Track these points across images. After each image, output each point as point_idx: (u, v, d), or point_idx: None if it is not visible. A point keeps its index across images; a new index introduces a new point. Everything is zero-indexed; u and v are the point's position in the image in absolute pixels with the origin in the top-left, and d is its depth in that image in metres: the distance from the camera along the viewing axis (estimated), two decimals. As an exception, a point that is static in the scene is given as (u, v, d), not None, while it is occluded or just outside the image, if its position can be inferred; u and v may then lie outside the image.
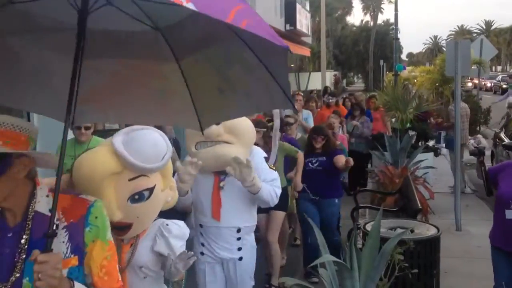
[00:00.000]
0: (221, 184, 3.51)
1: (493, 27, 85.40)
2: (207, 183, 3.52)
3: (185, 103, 2.16)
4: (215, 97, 2.01)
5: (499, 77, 43.87)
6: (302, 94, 9.14)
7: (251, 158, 3.43)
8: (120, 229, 2.45)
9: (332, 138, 6.13)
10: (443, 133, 10.91)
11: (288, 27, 16.17)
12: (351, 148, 8.98)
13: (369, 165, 9.63)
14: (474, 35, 73.74)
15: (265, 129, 5.33)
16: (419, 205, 5.48)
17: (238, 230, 3.55)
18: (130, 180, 2.39)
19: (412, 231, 4.51)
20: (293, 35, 17.98)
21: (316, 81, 33.80)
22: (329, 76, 40.99)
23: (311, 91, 16.61)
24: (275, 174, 3.63)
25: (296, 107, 8.20)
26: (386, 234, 4.17)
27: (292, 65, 40.89)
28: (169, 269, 2.50)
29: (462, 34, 79.93)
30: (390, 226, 4.64)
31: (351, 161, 5.74)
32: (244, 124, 3.47)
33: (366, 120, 9.53)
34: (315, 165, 5.82)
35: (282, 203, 5.30)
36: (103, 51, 2.06)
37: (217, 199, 3.50)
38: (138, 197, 2.41)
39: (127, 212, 2.41)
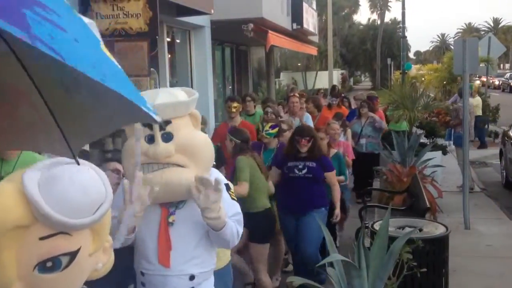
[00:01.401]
0: (170, 219, 2.67)
1: (501, 25, 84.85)
2: (151, 218, 2.66)
3: (44, 120, 1.50)
4: (68, 103, 1.45)
5: (508, 75, 43.63)
6: (298, 95, 8.32)
7: None
8: None
9: (319, 140, 5.32)
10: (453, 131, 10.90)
11: (295, 26, 16.11)
12: (361, 150, 8.74)
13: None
14: (482, 32, 73.32)
15: (238, 141, 4.85)
16: (428, 203, 5.47)
17: (191, 278, 2.71)
18: (42, 238, 1.63)
19: (420, 230, 4.50)
20: (300, 34, 17.93)
21: (323, 80, 33.79)
22: (336, 75, 40.99)
23: (318, 90, 16.55)
24: (238, 207, 2.80)
25: (293, 110, 7.65)
26: (395, 233, 4.15)
27: (299, 64, 40.97)
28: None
29: (470, 32, 79.52)
30: (399, 225, 4.62)
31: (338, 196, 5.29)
32: (201, 141, 2.68)
33: (374, 118, 9.05)
34: (303, 172, 5.05)
35: (266, 231, 4.86)
36: None
37: (165, 239, 2.67)
38: (51, 264, 1.64)
39: (32, 285, 1.65)
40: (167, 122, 2.52)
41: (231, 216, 2.67)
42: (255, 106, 7.96)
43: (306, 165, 5.04)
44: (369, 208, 7.40)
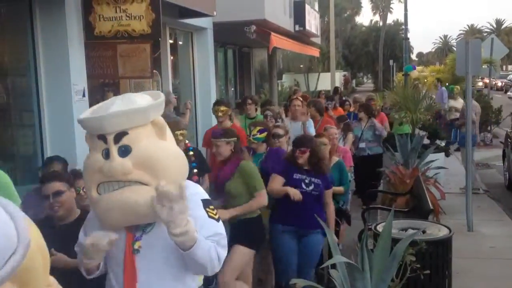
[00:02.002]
0: (136, 246, 2.32)
1: (503, 26, 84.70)
2: (116, 244, 2.31)
3: None
4: None
5: (510, 76, 43.57)
6: (301, 99, 8.00)
7: None
8: None
9: (321, 152, 4.95)
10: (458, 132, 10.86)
11: (297, 28, 16.12)
12: (363, 154, 8.74)
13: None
14: (485, 34, 73.20)
15: (234, 138, 4.48)
16: (431, 205, 5.45)
17: None
18: None
19: (423, 232, 4.49)
20: (302, 36, 17.94)
21: (325, 81, 33.79)
22: (339, 77, 40.98)
23: (319, 92, 16.55)
24: (219, 227, 2.39)
25: (295, 113, 7.35)
26: (398, 235, 4.15)
27: (302, 66, 40.97)
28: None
29: (472, 33, 79.31)
30: (402, 227, 4.61)
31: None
32: (165, 152, 2.27)
33: (375, 125, 8.98)
34: (310, 188, 4.70)
35: (257, 236, 4.55)
36: None
37: (130, 268, 2.31)
38: None
39: None
40: (124, 134, 2.16)
41: (209, 237, 2.29)
42: (256, 109, 7.72)
43: (312, 181, 4.72)
44: (372, 210, 7.39)
